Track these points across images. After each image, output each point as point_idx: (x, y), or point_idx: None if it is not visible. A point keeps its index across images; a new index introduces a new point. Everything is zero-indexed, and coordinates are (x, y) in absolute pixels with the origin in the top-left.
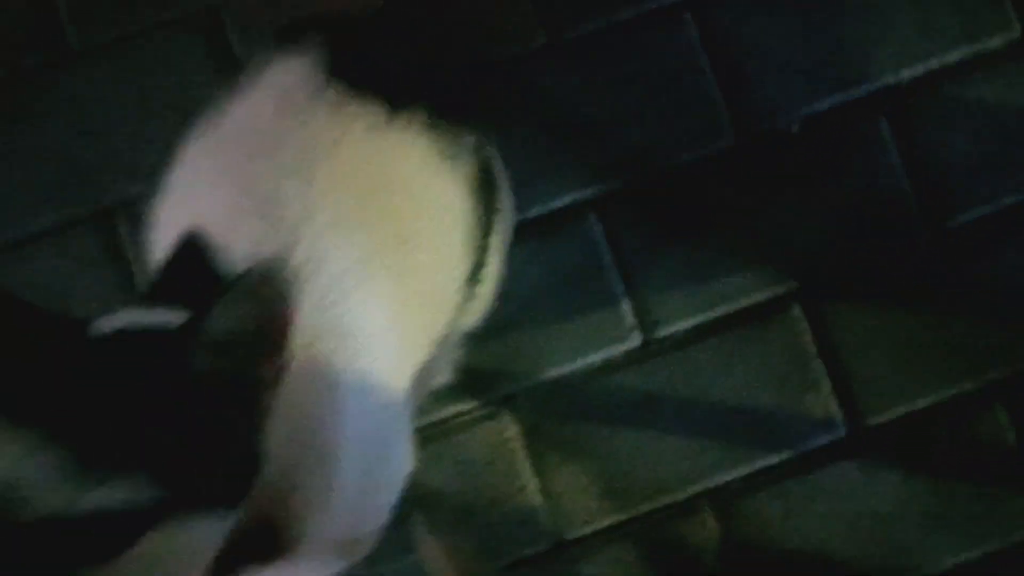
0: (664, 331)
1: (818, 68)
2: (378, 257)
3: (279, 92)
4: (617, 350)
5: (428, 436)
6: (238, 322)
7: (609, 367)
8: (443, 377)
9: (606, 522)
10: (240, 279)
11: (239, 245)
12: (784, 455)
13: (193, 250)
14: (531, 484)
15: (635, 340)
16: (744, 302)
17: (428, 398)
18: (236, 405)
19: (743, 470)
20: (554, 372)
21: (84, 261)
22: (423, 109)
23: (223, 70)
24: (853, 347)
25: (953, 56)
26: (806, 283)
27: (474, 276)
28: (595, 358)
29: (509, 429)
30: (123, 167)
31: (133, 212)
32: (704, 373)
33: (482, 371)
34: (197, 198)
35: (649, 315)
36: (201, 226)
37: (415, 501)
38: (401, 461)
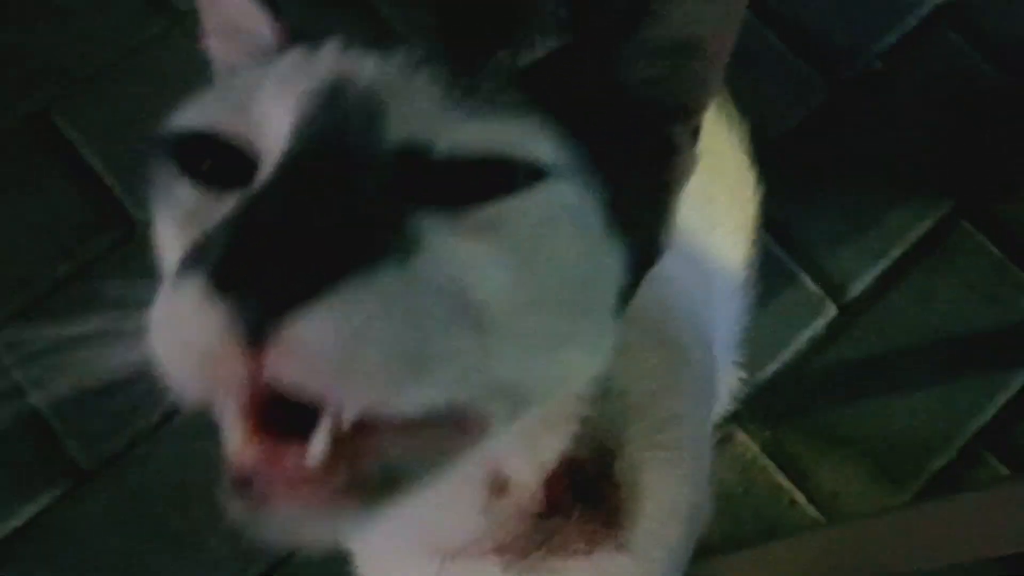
0: (853, 291)
1: (871, 7)
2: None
3: None
4: (818, 325)
5: None
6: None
7: (818, 344)
8: None
9: (892, 504)
10: None
11: None
12: None
13: None
14: (798, 496)
15: (831, 310)
16: (913, 236)
17: None
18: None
19: (1000, 398)
20: (768, 371)
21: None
22: None
23: None
24: None
25: None
26: (962, 195)
27: None
28: (800, 341)
29: (750, 448)
30: None
31: None
32: (912, 316)
33: None
34: None
35: (832, 281)
36: None
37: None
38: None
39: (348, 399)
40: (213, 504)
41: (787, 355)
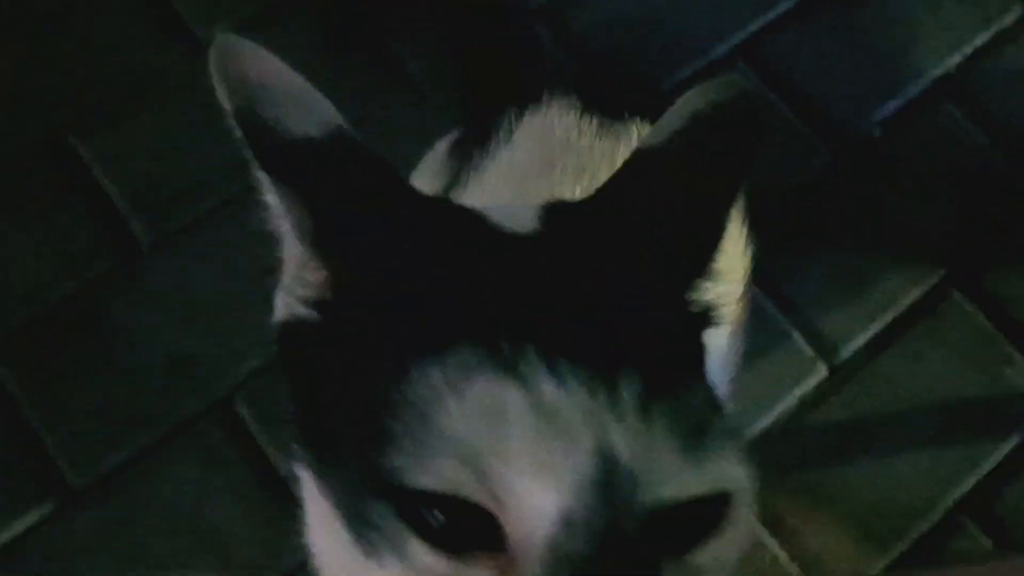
0: (845, 353)
1: (874, 77)
2: None
3: (538, 131)
4: (808, 385)
5: None
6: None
7: (808, 404)
8: None
9: (875, 569)
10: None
11: None
12: (1014, 439)
13: None
14: (780, 554)
15: (822, 370)
16: (905, 302)
17: None
18: None
19: (984, 468)
20: (756, 428)
21: (210, 458)
22: None
23: None
24: None
25: (980, 39)
26: (953, 265)
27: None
28: (790, 400)
29: None
30: (229, 349)
31: (249, 390)
32: (900, 381)
33: None
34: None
35: (824, 342)
36: None
37: None
38: None
39: None
40: (198, 532)
41: (776, 413)
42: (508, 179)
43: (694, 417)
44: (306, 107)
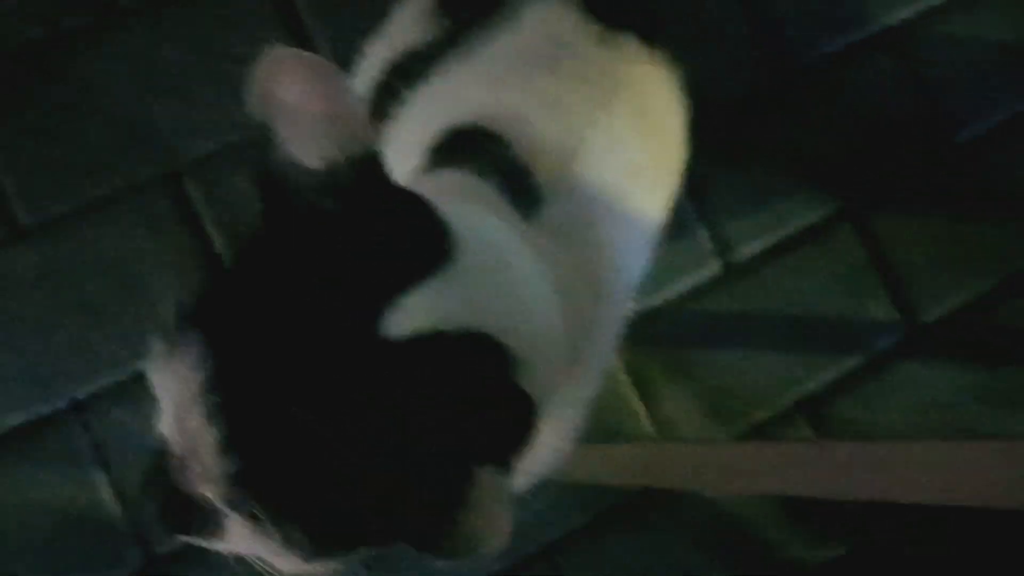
0: (740, 255)
1: (828, 14)
2: (640, 173)
3: (544, 24)
4: (702, 276)
5: None
6: None
7: (696, 293)
8: None
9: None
10: None
11: (525, 137)
12: (858, 359)
13: (472, 139)
14: (641, 411)
15: (715, 266)
16: (802, 223)
17: None
18: None
19: (826, 377)
20: (648, 303)
21: (155, 225)
22: (666, 48)
23: (290, 27)
24: (899, 255)
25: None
26: (850, 200)
27: None
28: (683, 286)
29: (614, 362)
30: (189, 127)
31: (202, 172)
32: (780, 291)
33: None
34: (472, 99)
35: (725, 241)
36: (480, 120)
37: None
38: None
39: None
40: (127, 287)
41: (669, 294)
42: (513, 65)
43: None
44: (331, 133)
